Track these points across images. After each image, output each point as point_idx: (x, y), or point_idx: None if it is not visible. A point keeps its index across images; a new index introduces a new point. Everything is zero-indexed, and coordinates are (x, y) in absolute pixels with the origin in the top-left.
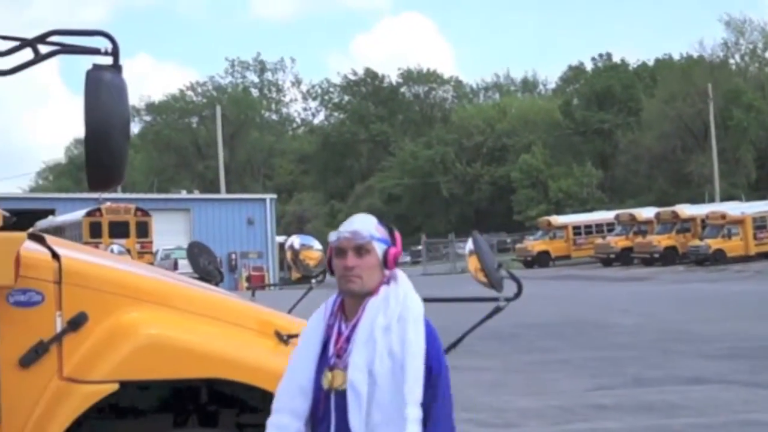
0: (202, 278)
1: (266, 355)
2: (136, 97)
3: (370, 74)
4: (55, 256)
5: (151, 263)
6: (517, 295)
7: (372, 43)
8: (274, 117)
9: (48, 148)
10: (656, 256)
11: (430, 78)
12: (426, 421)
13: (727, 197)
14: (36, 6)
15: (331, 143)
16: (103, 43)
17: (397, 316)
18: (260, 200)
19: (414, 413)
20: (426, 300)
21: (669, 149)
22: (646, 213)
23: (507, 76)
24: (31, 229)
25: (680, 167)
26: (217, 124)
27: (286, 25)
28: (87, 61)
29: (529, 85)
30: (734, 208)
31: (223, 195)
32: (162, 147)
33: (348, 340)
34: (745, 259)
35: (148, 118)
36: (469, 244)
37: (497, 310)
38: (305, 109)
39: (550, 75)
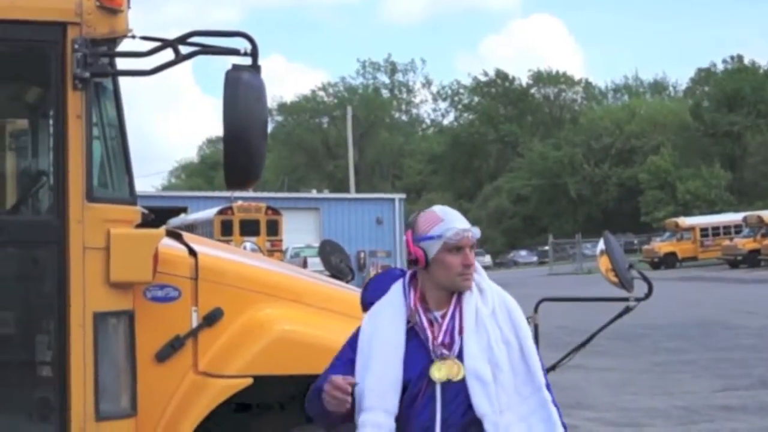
0: (333, 276)
1: None
2: (269, 98)
3: (501, 75)
4: (192, 253)
5: (281, 261)
6: (648, 295)
7: (501, 44)
8: (404, 117)
9: (180, 147)
10: None
11: (560, 79)
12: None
13: None
14: (168, 7)
15: (460, 144)
16: (241, 44)
17: (497, 303)
18: (389, 200)
19: (548, 395)
20: (557, 299)
21: None
22: None
23: (636, 77)
24: (164, 227)
25: None
26: (347, 125)
27: (416, 27)
28: (221, 61)
29: (658, 87)
30: None
31: (353, 194)
32: (293, 146)
33: (447, 331)
34: None
35: (279, 118)
36: (601, 244)
37: (627, 309)
38: (435, 110)
39: (680, 77)
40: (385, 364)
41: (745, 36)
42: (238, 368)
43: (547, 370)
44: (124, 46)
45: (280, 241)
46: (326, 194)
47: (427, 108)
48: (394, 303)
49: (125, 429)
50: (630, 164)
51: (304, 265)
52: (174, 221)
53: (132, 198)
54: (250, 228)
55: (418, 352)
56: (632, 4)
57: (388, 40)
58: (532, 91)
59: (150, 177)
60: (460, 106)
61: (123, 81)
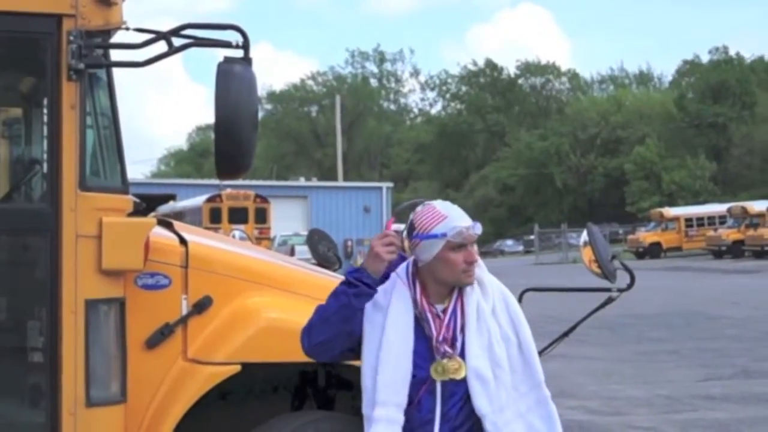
0: (321, 264)
1: None
2: (258, 86)
3: (490, 65)
4: (183, 241)
5: (269, 249)
6: (630, 286)
7: (488, 34)
8: (392, 107)
9: (170, 135)
10: (767, 249)
11: (547, 70)
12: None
13: None
14: None
15: (448, 133)
16: (233, 37)
17: (497, 298)
18: (377, 188)
19: (547, 392)
20: (541, 290)
21: None
22: (758, 206)
23: (622, 68)
24: (152, 214)
25: None
26: (336, 113)
27: (404, 16)
28: (211, 51)
29: (644, 78)
30: None
31: (341, 183)
32: (282, 135)
33: (449, 326)
34: None
35: (269, 107)
36: (584, 236)
37: (610, 300)
38: (423, 100)
39: (665, 68)
40: (398, 358)
41: (730, 27)
42: (226, 355)
43: None
44: (118, 37)
45: (269, 228)
46: (314, 182)
47: (415, 97)
48: (400, 294)
49: (115, 414)
50: (616, 155)
51: (292, 253)
52: (163, 208)
53: (124, 187)
54: (238, 216)
55: (421, 346)
56: None
57: (376, 30)
58: (520, 81)
59: (139, 164)
60: (447, 96)
61: (115, 70)
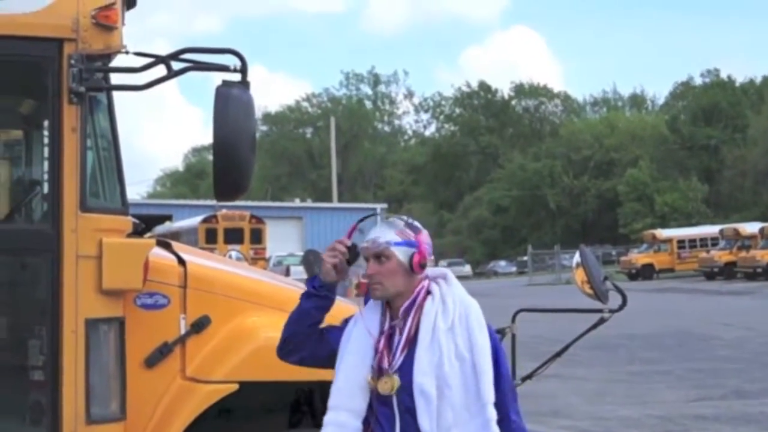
0: None
1: None
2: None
3: (484, 87)
4: (181, 262)
5: (264, 269)
6: (622, 306)
7: (481, 56)
8: (387, 128)
9: (166, 156)
10: (759, 270)
11: (540, 92)
12: (500, 418)
13: None
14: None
15: (442, 155)
16: (231, 61)
17: (458, 316)
18: (371, 210)
19: (493, 413)
20: (534, 310)
21: None
22: (750, 228)
23: (615, 91)
24: (148, 234)
25: None
26: (331, 135)
27: (398, 38)
28: (207, 73)
29: (637, 101)
30: None
31: (335, 204)
32: (277, 156)
33: (396, 345)
34: None
35: (264, 128)
36: (577, 257)
37: (602, 321)
38: (417, 121)
39: (658, 90)
40: (354, 366)
41: (722, 50)
42: (224, 374)
43: (523, 379)
44: (118, 61)
45: (264, 249)
46: (309, 203)
47: (409, 119)
48: (374, 310)
49: None
50: (609, 176)
51: (287, 273)
52: (159, 229)
53: (124, 208)
54: (234, 236)
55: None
56: (611, 18)
57: (370, 51)
58: (513, 103)
59: (135, 185)
60: (441, 118)
61: (114, 92)
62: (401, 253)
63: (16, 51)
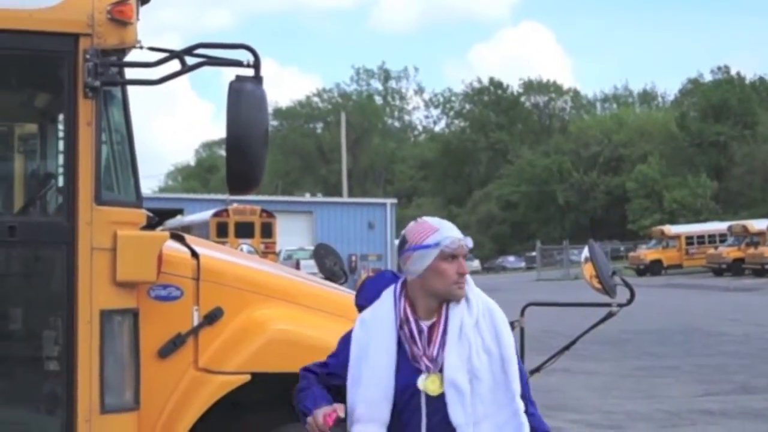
0: (327, 278)
1: None
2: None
3: (494, 83)
4: (194, 254)
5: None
6: (630, 301)
7: (490, 52)
8: (397, 124)
9: (177, 150)
10: (767, 267)
11: (550, 88)
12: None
13: None
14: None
15: (451, 150)
16: (245, 56)
17: (481, 312)
18: (381, 204)
19: (521, 403)
20: (543, 304)
21: None
22: (759, 225)
23: (625, 87)
24: (160, 228)
25: None
26: (341, 130)
27: (408, 35)
28: (218, 69)
29: (647, 97)
30: None
31: (345, 199)
32: (287, 151)
33: (432, 342)
34: None
35: (275, 123)
36: (585, 252)
37: (610, 315)
38: (427, 117)
39: (669, 87)
40: (377, 375)
41: (732, 47)
42: (236, 365)
43: (531, 373)
44: (132, 55)
45: (274, 243)
46: (319, 198)
47: (419, 115)
48: (385, 311)
49: (128, 422)
50: (618, 173)
51: (297, 267)
52: (170, 223)
53: (138, 201)
54: (244, 230)
55: (405, 363)
56: (621, 14)
57: (381, 47)
58: (523, 99)
59: (147, 179)
60: (451, 113)
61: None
62: None
63: (32, 46)
